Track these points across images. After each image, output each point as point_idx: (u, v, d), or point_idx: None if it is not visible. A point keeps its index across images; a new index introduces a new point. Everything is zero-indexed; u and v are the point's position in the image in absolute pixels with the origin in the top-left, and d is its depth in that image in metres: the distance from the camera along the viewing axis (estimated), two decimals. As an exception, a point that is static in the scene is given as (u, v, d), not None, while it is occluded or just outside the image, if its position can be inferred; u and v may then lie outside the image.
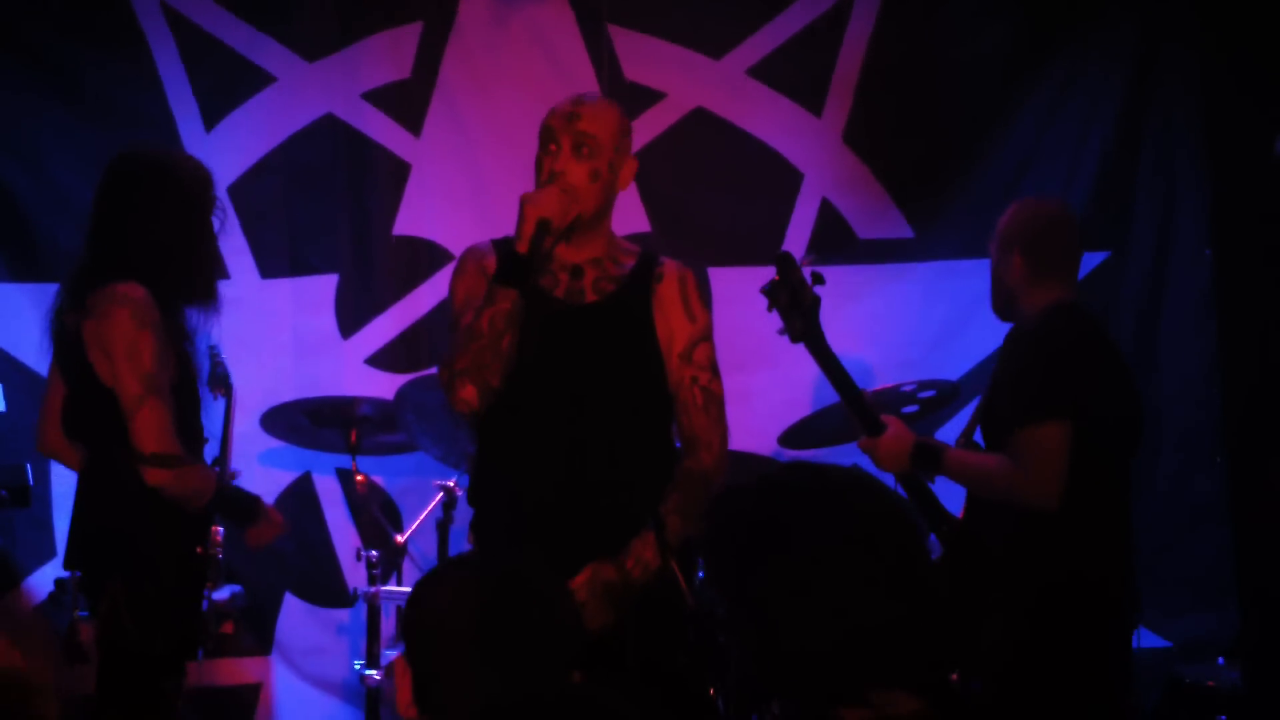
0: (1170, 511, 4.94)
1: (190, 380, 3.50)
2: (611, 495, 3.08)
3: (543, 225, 2.99)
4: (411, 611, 2.11)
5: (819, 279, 3.29)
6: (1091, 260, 4.90)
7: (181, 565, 3.43)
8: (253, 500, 3.63)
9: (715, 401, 3.19)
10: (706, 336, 3.20)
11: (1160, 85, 5.02)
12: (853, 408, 3.46)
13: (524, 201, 3.01)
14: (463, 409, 3.08)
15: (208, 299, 3.54)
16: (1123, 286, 5.04)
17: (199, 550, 3.47)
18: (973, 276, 5.05)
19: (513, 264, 3.00)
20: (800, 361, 4.88)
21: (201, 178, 3.54)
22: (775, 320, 3.32)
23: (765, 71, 5.05)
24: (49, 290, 3.61)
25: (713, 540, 1.86)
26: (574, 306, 3.15)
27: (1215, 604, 4.85)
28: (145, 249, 3.42)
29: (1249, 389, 4.58)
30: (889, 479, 3.46)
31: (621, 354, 3.15)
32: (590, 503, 3.07)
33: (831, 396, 4.66)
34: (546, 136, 3.14)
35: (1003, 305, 3.69)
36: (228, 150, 4.96)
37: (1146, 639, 4.68)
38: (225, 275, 4.94)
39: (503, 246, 3.11)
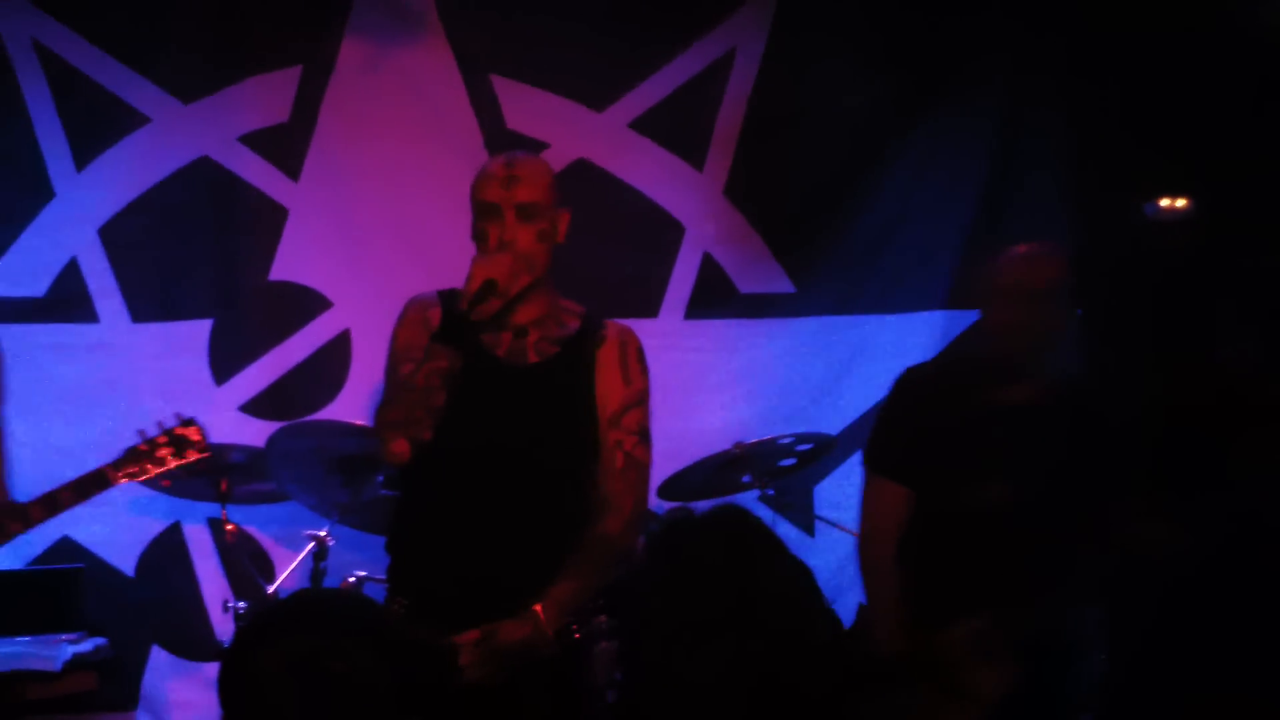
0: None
1: None
2: (528, 555, 3.08)
3: (488, 286, 3.00)
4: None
5: None
6: (966, 319, 4.97)
7: None
8: None
9: (636, 467, 3.18)
10: (640, 401, 3.21)
11: (1025, 148, 5.10)
12: None
13: (474, 262, 3.03)
14: (393, 460, 3.06)
15: None
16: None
17: None
18: (849, 331, 5.10)
19: (453, 323, 3.01)
20: (676, 415, 4.93)
21: None
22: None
23: (647, 124, 5.07)
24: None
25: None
26: (514, 367, 3.16)
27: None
28: None
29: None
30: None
31: (556, 417, 3.16)
32: (506, 560, 3.08)
33: (706, 450, 4.73)
34: (486, 207, 3.12)
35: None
36: (99, 190, 4.88)
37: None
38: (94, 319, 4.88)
39: (448, 301, 3.11)
